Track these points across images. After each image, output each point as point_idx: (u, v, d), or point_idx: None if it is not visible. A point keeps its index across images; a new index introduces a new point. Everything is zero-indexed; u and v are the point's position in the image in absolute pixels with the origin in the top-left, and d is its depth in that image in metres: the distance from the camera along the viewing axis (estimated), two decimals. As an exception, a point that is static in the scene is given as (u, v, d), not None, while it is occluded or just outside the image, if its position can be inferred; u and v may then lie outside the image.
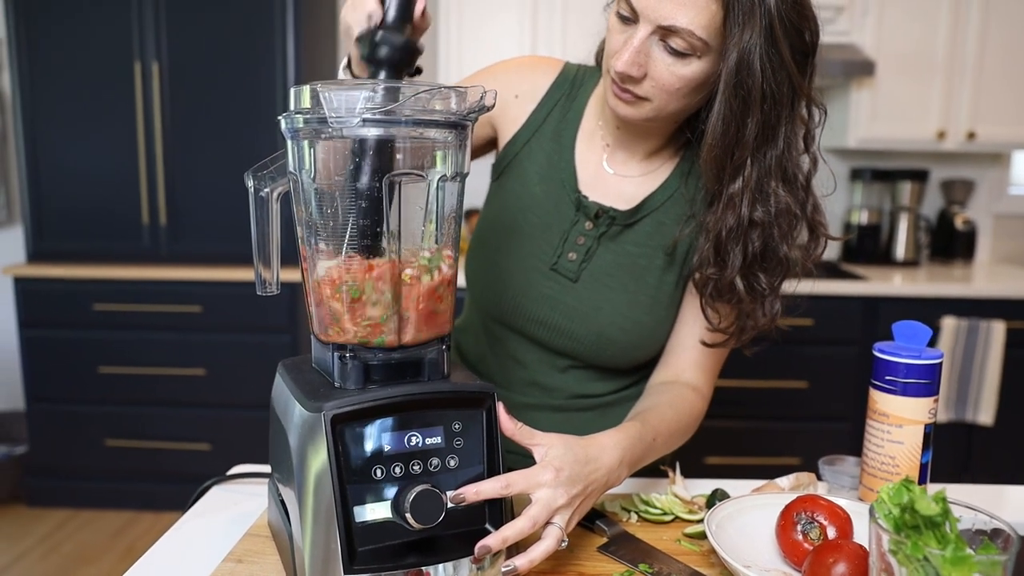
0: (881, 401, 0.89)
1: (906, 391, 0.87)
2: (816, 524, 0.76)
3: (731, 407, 2.70)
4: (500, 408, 0.76)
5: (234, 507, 0.96)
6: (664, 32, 0.83)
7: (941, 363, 0.88)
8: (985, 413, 2.66)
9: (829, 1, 2.72)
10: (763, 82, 0.82)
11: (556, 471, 0.75)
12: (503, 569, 0.71)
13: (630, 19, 0.85)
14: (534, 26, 2.78)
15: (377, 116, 0.68)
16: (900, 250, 3.11)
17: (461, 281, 0.88)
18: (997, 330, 2.61)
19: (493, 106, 0.74)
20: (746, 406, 2.70)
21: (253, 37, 2.72)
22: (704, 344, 0.98)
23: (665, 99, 0.88)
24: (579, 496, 0.77)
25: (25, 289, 2.82)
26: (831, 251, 3.25)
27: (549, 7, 2.76)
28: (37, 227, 2.84)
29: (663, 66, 0.85)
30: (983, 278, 2.87)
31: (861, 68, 2.73)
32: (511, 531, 0.72)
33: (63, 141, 2.80)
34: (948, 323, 2.62)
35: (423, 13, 0.81)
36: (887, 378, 0.88)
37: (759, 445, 2.72)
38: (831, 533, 0.76)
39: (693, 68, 0.85)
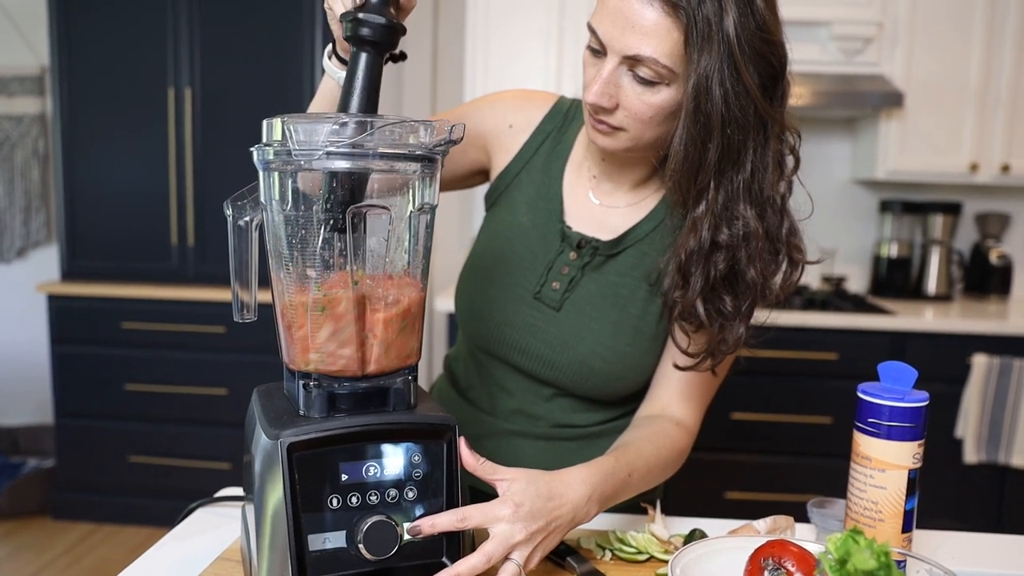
0: (864, 444, 0.86)
1: (890, 435, 0.85)
2: (783, 570, 0.74)
3: (753, 441, 2.64)
4: (462, 443, 0.76)
5: (215, 530, 0.97)
6: (631, 62, 0.84)
7: (926, 406, 0.85)
8: (1019, 455, 2.56)
9: (857, 32, 2.69)
10: (724, 107, 0.82)
11: (516, 506, 0.74)
12: None
13: (600, 52, 0.87)
14: (559, 58, 2.79)
15: (342, 149, 0.69)
16: (931, 284, 3.03)
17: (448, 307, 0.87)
18: (1031, 369, 2.52)
19: (461, 139, 0.75)
20: (769, 440, 2.65)
21: (282, 66, 2.79)
22: (676, 367, 0.96)
23: (640, 128, 0.88)
24: (540, 532, 0.76)
25: (57, 306, 2.91)
26: (858, 284, 3.19)
27: (575, 38, 2.78)
28: (71, 246, 2.94)
29: (633, 95, 0.86)
30: (1019, 315, 2.78)
31: (890, 99, 2.68)
32: (464, 567, 0.71)
33: (98, 164, 2.90)
34: (979, 360, 2.54)
35: None
36: (870, 420, 0.86)
37: (781, 480, 2.65)
38: (798, 580, 0.73)
39: (663, 96, 0.85)
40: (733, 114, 0.83)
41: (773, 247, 0.90)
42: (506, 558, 0.74)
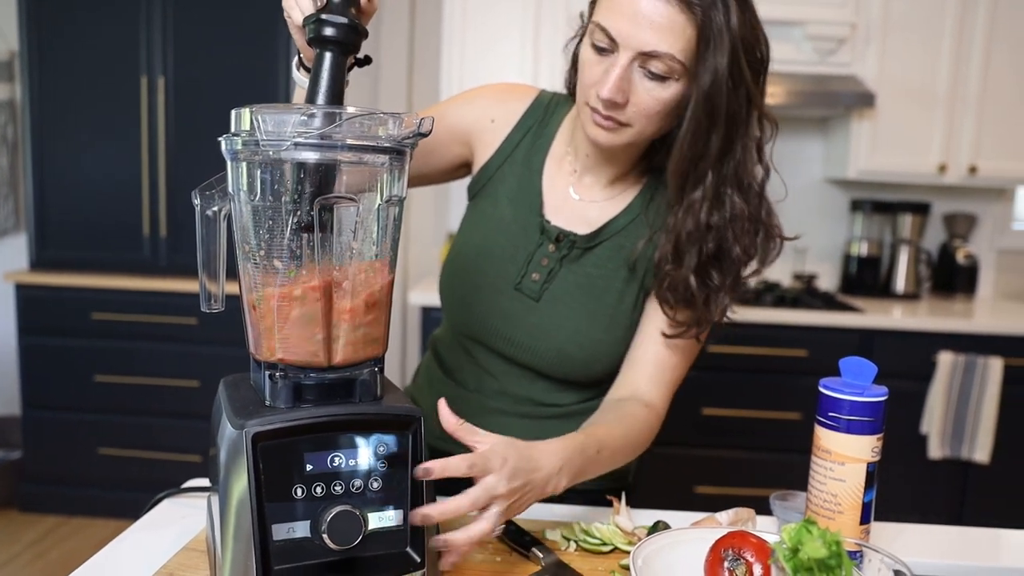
0: (824, 437, 0.88)
1: (849, 428, 0.87)
2: (743, 561, 0.75)
3: (723, 436, 2.67)
4: (442, 404, 0.79)
5: (181, 521, 0.97)
6: (644, 58, 0.87)
7: (885, 401, 0.87)
8: (981, 451, 2.62)
9: (831, 32, 2.73)
10: (729, 100, 0.87)
11: (503, 460, 0.77)
12: (436, 539, 0.75)
13: (607, 49, 0.89)
14: (536, 52, 2.80)
15: (310, 140, 0.69)
16: (900, 283, 3.08)
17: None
18: (995, 367, 2.58)
19: (430, 132, 0.75)
20: (739, 436, 2.68)
21: (257, 54, 2.77)
22: (664, 335, 1.01)
23: (644, 123, 0.92)
24: (517, 491, 0.78)
25: (26, 296, 2.87)
26: (829, 282, 3.23)
27: (552, 33, 2.78)
28: (41, 235, 2.89)
29: (643, 91, 0.89)
30: (983, 313, 2.84)
31: (862, 99, 2.72)
32: (451, 505, 0.74)
33: (69, 152, 2.85)
34: (944, 358, 2.59)
35: None
36: (830, 414, 0.88)
37: (751, 475, 2.69)
38: (757, 571, 0.75)
39: (671, 91, 0.89)
40: (734, 106, 0.88)
41: (755, 227, 0.96)
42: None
